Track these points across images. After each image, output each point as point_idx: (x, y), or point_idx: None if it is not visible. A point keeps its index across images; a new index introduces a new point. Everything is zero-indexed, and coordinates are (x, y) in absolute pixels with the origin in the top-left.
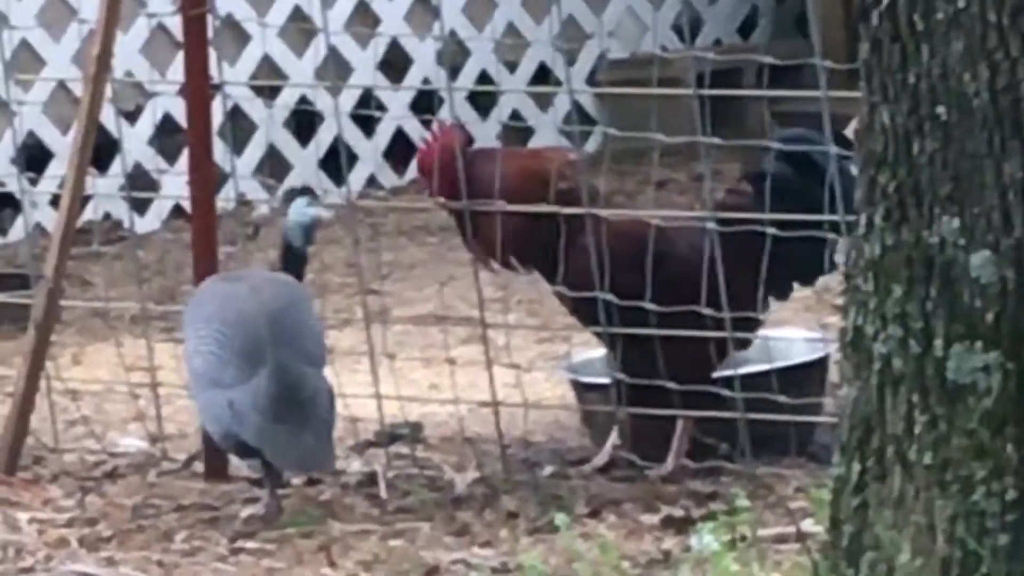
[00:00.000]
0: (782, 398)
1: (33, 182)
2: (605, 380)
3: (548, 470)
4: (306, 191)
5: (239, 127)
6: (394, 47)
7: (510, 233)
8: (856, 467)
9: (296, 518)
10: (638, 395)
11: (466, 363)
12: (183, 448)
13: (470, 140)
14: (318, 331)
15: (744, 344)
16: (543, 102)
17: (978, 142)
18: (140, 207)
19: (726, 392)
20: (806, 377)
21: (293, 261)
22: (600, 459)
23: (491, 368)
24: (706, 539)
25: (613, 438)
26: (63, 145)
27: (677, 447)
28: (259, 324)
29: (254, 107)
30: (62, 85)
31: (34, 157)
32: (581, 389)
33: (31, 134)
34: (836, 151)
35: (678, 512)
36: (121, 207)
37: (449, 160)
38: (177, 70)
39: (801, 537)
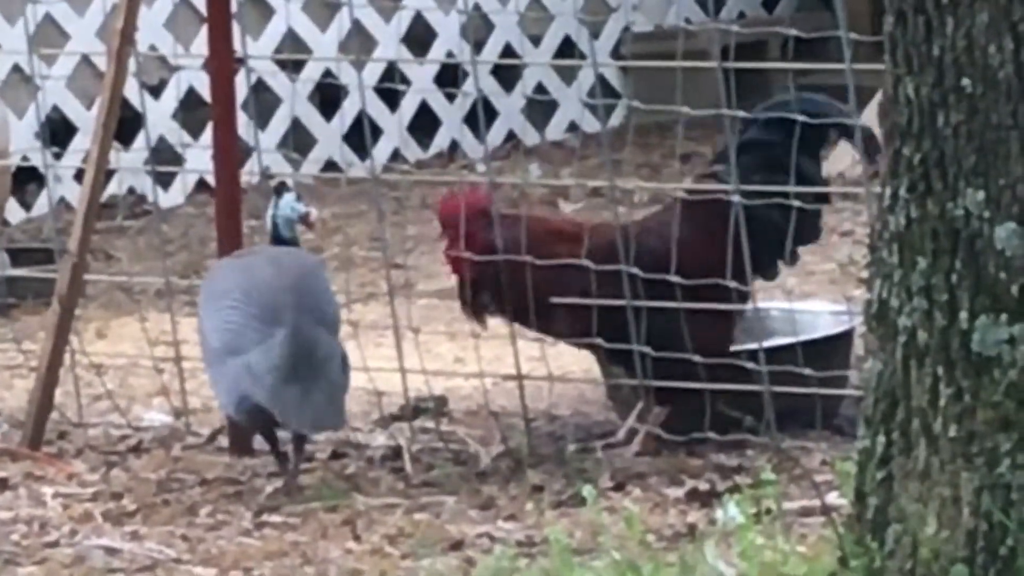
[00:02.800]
0: (807, 371)
1: (57, 156)
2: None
3: (573, 444)
4: (287, 186)
5: (263, 101)
6: (418, 20)
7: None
8: (881, 440)
9: (321, 492)
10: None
11: (491, 336)
12: (207, 422)
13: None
14: (333, 300)
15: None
16: (567, 76)
17: (1003, 114)
18: (164, 181)
19: (752, 365)
20: (831, 350)
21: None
22: (635, 446)
23: (516, 341)
24: (731, 512)
25: (632, 419)
26: (87, 119)
27: (645, 433)
28: (278, 288)
29: (278, 81)
30: (86, 59)
31: (58, 131)
32: (607, 362)
33: (55, 108)
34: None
35: (703, 485)
36: (145, 181)
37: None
38: (201, 44)
39: (826, 510)
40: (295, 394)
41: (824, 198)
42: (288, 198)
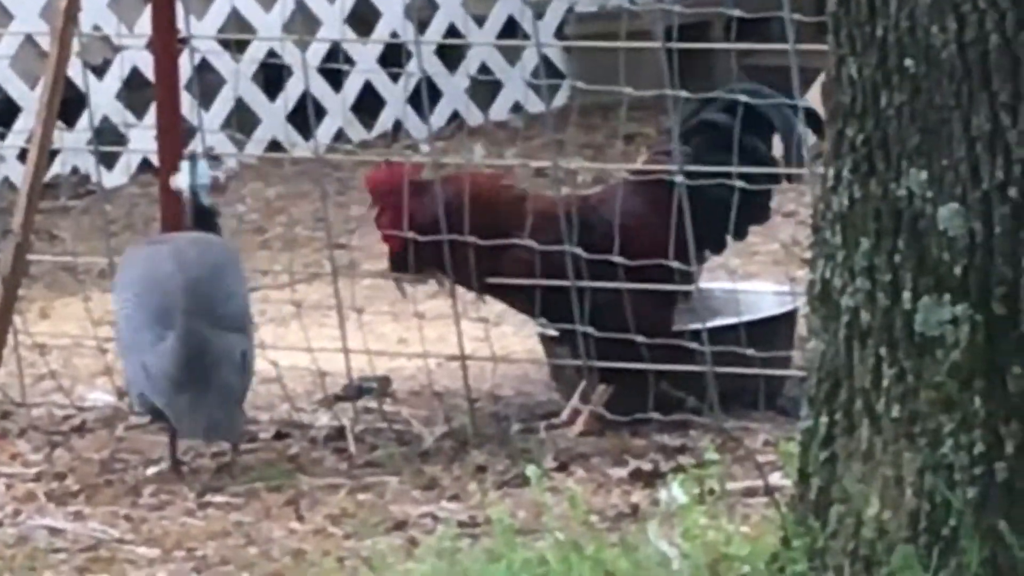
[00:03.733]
0: (751, 352)
1: (1, 136)
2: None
3: (517, 424)
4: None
5: (207, 81)
6: (362, 1)
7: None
8: (824, 420)
9: (264, 472)
10: (607, 351)
11: (434, 317)
12: None
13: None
14: (241, 293)
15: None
16: (511, 56)
17: (946, 94)
18: (108, 161)
19: (694, 345)
20: (774, 331)
21: (207, 221)
22: (577, 426)
23: (459, 322)
24: (675, 492)
25: (575, 399)
26: (31, 99)
27: (588, 413)
28: (173, 288)
29: (222, 61)
30: (30, 39)
31: (2, 111)
32: (550, 343)
33: None
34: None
35: (647, 466)
36: (89, 161)
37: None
38: (145, 24)
39: (769, 490)
40: (186, 402)
41: (775, 179)
42: (203, 165)
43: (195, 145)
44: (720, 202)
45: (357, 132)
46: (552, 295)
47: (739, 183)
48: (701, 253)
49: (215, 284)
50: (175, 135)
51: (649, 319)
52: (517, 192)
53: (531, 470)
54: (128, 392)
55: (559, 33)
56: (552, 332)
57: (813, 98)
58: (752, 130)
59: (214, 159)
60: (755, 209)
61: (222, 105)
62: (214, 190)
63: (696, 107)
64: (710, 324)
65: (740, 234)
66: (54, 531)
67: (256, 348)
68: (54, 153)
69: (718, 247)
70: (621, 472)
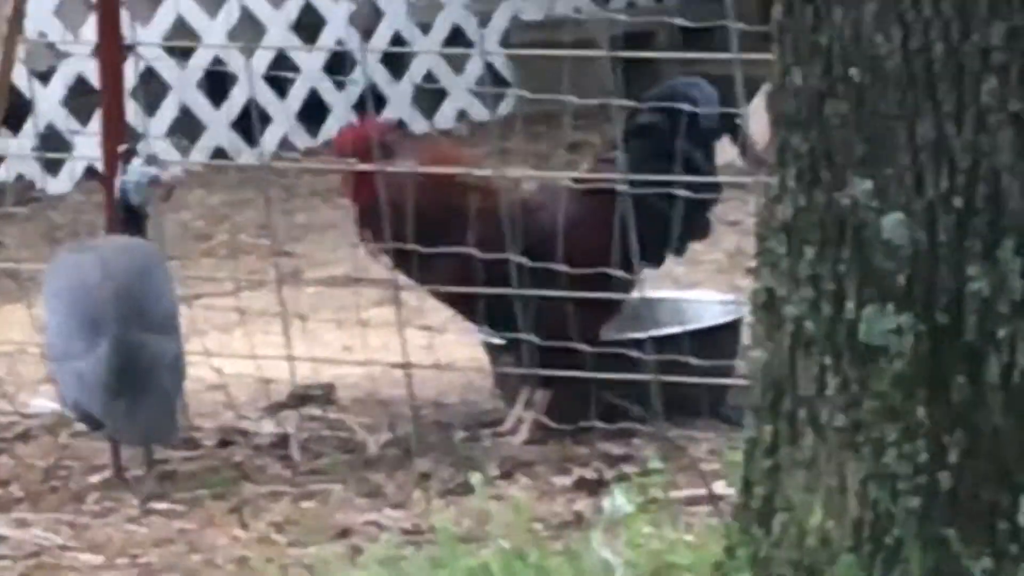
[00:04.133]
0: (694, 360)
1: None
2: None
3: (460, 432)
4: (134, 152)
5: (152, 88)
6: (307, 8)
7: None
8: (768, 429)
9: (208, 480)
10: (548, 359)
11: (379, 325)
12: None
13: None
14: (168, 297)
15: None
16: (456, 64)
17: (890, 104)
18: (53, 168)
19: (638, 354)
20: (718, 339)
21: (134, 221)
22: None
23: (403, 330)
24: (618, 501)
25: (519, 407)
26: None
27: (532, 420)
28: (102, 295)
29: (167, 68)
30: None
31: None
32: (494, 351)
33: None
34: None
35: (590, 474)
36: (34, 168)
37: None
38: (90, 31)
39: (713, 499)
40: (123, 408)
41: (716, 188)
42: (136, 163)
43: (140, 149)
44: (659, 215)
45: (302, 140)
46: (492, 298)
47: (681, 192)
48: (638, 264)
49: (144, 289)
50: (120, 142)
51: (580, 327)
52: (468, 181)
53: (475, 478)
54: (63, 401)
55: (504, 41)
56: (496, 340)
57: (757, 107)
58: (690, 135)
59: (151, 159)
60: (695, 225)
61: (167, 112)
62: (161, 192)
63: (633, 109)
64: (653, 333)
65: (679, 250)
66: None
67: (200, 355)
68: None
69: (657, 261)
70: (565, 480)
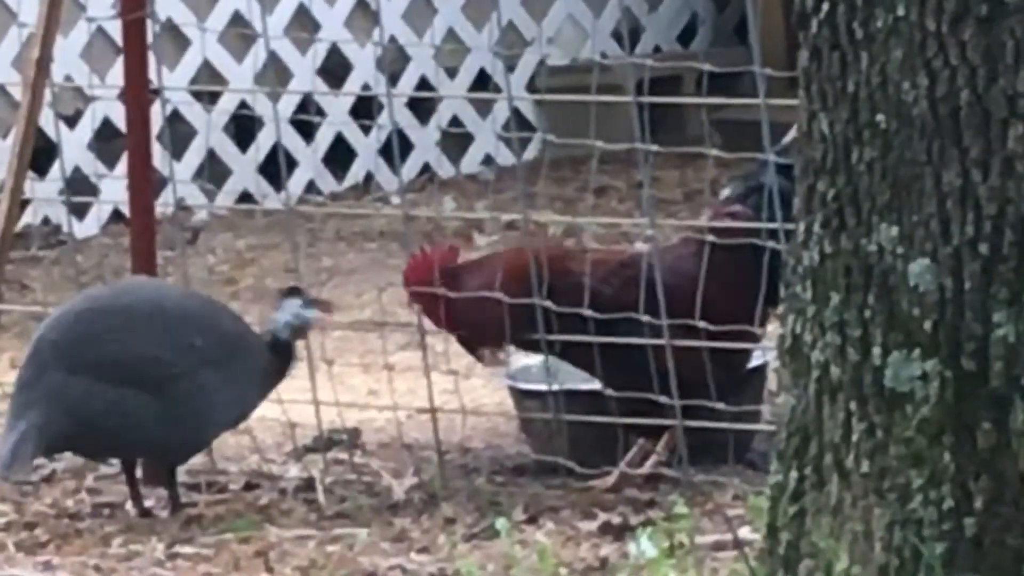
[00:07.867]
0: (721, 405)
1: None
2: (543, 387)
3: (485, 477)
4: (299, 292)
5: (178, 132)
6: (334, 53)
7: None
8: (794, 475)
9: (233, 523)
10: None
11: (404, 369)
12: None
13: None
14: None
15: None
16: (483, 108)
17: (917, 150)
18: (79, 212)
19: (663, 399)
20: (745, 385)
21: (280, 351)
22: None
23: (429, 374)
24: (644, 546)
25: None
26: (2, 149)
27: (656, 459)
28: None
29: (193, 112)
30: (2, 89)
31: None
32: (519, 396)
33: None
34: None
35: (616, 519)
36: (60, 211)
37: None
38: (117, 74)
39: (739, 544)
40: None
41: None
42: (292, 303)
43: (166, 196)
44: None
45: (328, 184)
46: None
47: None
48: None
49: (92, 329)
50: (146, 186)
51: (723, 378)
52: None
53: (500, 523)
54: None
55: (530, 86)
56: (522, 386)
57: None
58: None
59: (310, 302)
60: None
61: (194, 156)
62: (188, 235)
63: (752, 169)
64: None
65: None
66: None
67: None
68: (25, 203)
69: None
70: (590, 525)
